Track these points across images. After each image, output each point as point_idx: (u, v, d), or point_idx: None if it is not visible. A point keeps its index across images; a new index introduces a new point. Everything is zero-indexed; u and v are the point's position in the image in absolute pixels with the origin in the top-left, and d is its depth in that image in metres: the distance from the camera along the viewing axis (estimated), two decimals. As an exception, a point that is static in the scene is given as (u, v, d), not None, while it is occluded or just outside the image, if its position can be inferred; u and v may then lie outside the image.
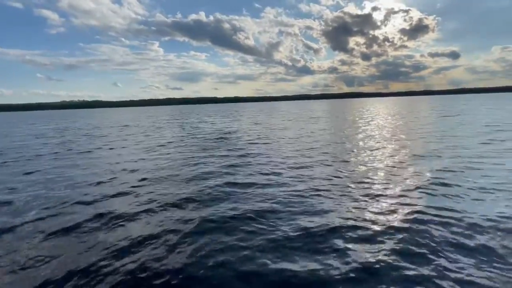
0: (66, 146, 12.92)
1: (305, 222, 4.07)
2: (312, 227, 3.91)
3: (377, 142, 11.04)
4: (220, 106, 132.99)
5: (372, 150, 9.42)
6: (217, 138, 13.91)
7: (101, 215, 4.57)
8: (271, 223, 4.07)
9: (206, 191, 5.60)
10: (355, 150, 9.66)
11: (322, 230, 3.87)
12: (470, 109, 31.64)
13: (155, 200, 5.21)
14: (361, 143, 11.05)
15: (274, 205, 4.77)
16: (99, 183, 6.54)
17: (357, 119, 24.60)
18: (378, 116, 26.91)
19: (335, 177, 6.30)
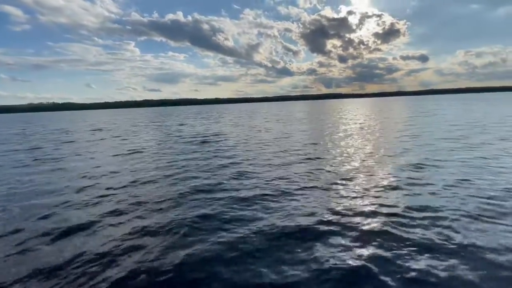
0: (33, 154, 11.91)
1: (284, 222, 3.96)
2: (286, 228, 3.93)
3: (357, 141, 11.25)
4: (200, 108, 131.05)
5: (351, 150, 9.55)
6: (200, 142, 13.50)
7: (63, 230, 4.14)
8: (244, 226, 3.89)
9: (188, 194, 5.30)
10: (334, 150, 9.73)
11: (295, 230, 3.90)
12: (441, 109, 33.55)
13: (127, 209, 4.83)
14: (342, 143, 11.19)
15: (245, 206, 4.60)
16: (66, 192, 6.00)
17: (337, 119, 25.14)
18: (358, 116, 27.70)
19: (313, 175, 6.25)
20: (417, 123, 17.96)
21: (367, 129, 15.94)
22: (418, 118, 22.31)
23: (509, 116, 19.63)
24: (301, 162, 8.08)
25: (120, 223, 4.40)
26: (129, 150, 11.81)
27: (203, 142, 13.30)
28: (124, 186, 6.37)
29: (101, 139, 16.52)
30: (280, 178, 6.44)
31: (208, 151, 10.70)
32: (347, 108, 51.61)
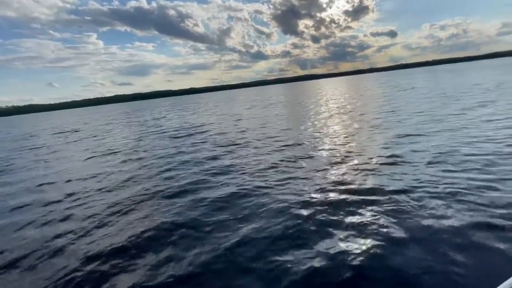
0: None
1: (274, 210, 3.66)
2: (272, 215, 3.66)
3: (341, 124, 11.16)
4: (176, 99, 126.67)
5: (338, 132, 9.43)
6: (177, 136, 12.78)
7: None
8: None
9: (172, 195, 4.84)
10: (317, 133, 9.56)
11: (279, 217, 3.82)
12: (413, 83, 34.68)
13: (105, 219, 4.30)
14: (325, 125, 11.05)
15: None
16: (33, 207, 5.28)
17: (317, 101, 25.13)
18: (335, 97, 27.88)
19: (297, 162, 6.01)
20: (396, 99, 18.30)
21: (350, 110, 15.97)
22: (396, 93, 22.83)
23: (476, 84, 20.59)
24: (283, 149, 7.79)
25: (100, 236, 3.87)
26: (103, 151, 10.90)
27: (180, 136, 12.61)
28: (100, 192, 5.74)
29: (72, 142, 15.22)
30: (268, 169, 6.11)
31: (188, 145, 10.10)
32: (324, 89, 52.11)
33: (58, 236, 4.05)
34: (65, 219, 4.65)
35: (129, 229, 4.00)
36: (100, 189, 6.02)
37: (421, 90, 22.30)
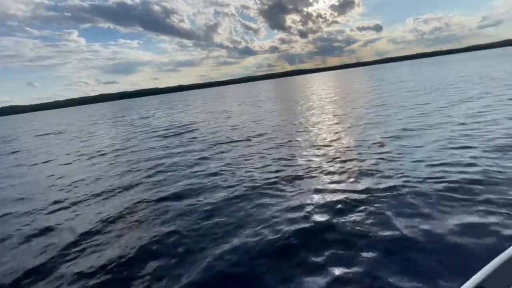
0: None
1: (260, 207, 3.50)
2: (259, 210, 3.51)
3: (331, 118, 11.09)
4: (164, 97, 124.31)
5: (331, 128, 9.34)
6: (167, 136, 12.39)
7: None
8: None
9: (163, 202, 4.58)
10: (307, 129, 9.45)
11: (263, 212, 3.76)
12: (399, 76, 35.18)
13: (93, 231, 4.00)
14: (316, 120, 10.96)
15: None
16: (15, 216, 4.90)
17: (307, 96, 25.07)
18: (325, 92, 27.92)
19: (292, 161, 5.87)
20: (386, 93, 18.43)
21: (341, 105, 15.95)
22: (386, 86, 23.04)
23: (462, 76, 21.04)
24: (274, 147, 7.62)
25: (86, 249, 3.59)
26: (89, 153, 10.40)
27: (169, 136, 12.23)
28: (86, 199, 5.39)
29: (56, 144, 14.53)
30: (260, 168, 5.92)
31: (176, 145, 9.77)
32: (314, 84, 52.23)
33: (41, 251, 3.73)
34: (48, 231, 4.31)
35: (118, 240, 3.73)
36: (86, 196, 5.67)
37: (409, 83, 22.60)
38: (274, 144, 7.91)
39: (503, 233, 2.78)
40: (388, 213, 3.46)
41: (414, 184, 4.14)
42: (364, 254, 2.78)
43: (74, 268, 3.23)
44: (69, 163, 9.25)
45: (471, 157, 4.91)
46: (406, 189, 4.02)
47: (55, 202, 5.53)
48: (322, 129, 9.40)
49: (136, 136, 13.28)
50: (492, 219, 3.05)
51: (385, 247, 2.84)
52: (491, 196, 3.54)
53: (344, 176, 4.87)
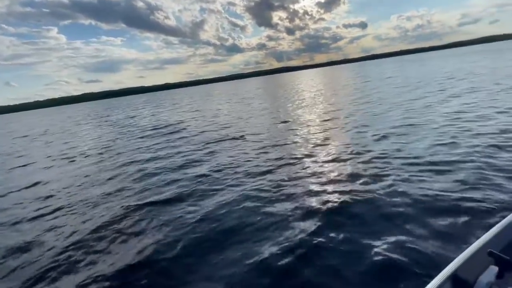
0: None
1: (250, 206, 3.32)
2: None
3: (320, 116, 11.00)
4: (150, 96, 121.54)
5: (322, 125, 9.22)
6: (154, 136, 11.93)
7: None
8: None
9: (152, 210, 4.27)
10: (296, 128, 9.31)
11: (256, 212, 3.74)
12: (388, 72, 35.74)
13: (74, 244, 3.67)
14: (307, 116, 10.83)
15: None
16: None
17: (297, 93, 25.01)
18: (314, 89, 27.94)
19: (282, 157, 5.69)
20: (375, 89, 18.57)
21: (333, 103, 15.92)
22: (374, 83, 23.28)
23: (447, 72, 21.54)
24: (264, 147, 7.42)
25: (71, 271, 3.26)
26: (72, 156, 9.84)
27: (156, 136, 11.79)
28: (69, 207, 5.00)
29: (36, 146, 13.74)
30: (249, 169, 5.70)
31: (163, 146, 9.40)
32: (302, 81, 52.37)
33: (17, 270, 3.37)
34: (26, 245, 3.93)
35: (105, 253, 3.42)
36: (69, 203, 5.27)
37: (396, 79, 22.93)
38: (263, 145, 7.67)
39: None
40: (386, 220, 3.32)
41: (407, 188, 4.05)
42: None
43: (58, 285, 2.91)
44: (50, 167, 8.70)
45: (461, 154, 4.86)
46: (403, 191, 3.91)
47: (34, 211, 5.11)
48: (313, 128, 9.26)
49: (122, 137, 12.74)
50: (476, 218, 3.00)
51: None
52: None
53: (335, 178, 4.72)
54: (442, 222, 3.01)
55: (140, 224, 4.00)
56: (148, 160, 7.66)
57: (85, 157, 9.48)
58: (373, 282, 2.38)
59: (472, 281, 1.39)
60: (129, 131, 14.57)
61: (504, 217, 1.90)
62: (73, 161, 9.13)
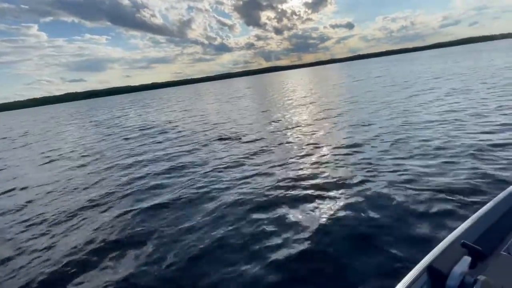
0: None
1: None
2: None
3: (310, 115, 10.91)
4: (137, 96, 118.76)
5: (313, 126, 9.10)
6: (142, 138, 11.48)
7: None
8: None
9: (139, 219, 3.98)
10: (282, 127, 9.17)
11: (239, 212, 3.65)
12: (376, 72, 36.29)
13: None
14: (298, 116, 10.71)
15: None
16: None
17: (287, 92, 24.94)
18: (304, 89, 27.95)
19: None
20: (365, 88, 18.71)
21: (325, 103, 15.89)
22: (366, 81, 23.50)
23: (433, 72, 22.05)
24: (258, 150, 7.23)
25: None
26: (54, 159, 9.30)
27: (145, 137, 11.37)
28: (51, 217, 4.62)
29: (15, 148, 12.94)
30: (237, 167, 5.49)
31: (152, 149, 9.03)
32: (291, 80, 52.51)
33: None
34: (7, 260, 3.55)
35: (94, 270, 3.11)
36: (50, 212, 4.88)
37: (385, 78, 23.26)
38: (253, 146, 7.48)
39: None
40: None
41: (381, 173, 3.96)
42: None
43: None
44: (30, 170, 8.16)
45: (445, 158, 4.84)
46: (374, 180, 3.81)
47: (8, 222, 4.69)
48: (306, 129, 9.13)
49: (107, 138, 12.20)
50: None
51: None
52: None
53: (310, 168, 4.69)
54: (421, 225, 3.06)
55: (125, 233, 3.70)
56: (133, 164, 7.29)
57: (68, 160, 8.97)
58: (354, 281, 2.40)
59: (446, 272, 1.42)
60: (114, 132, 13.99)
61: (476, 210, 1.99)
62: (54, 164, 8.61)
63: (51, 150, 11.22)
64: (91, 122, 22.05)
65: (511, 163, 4.16)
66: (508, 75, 13.98)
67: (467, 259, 1.47)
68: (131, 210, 4.37)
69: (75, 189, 5.91)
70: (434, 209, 3.27)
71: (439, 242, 1.64)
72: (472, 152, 4.80)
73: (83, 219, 4.37)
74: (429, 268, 1.48)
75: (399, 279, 1.45)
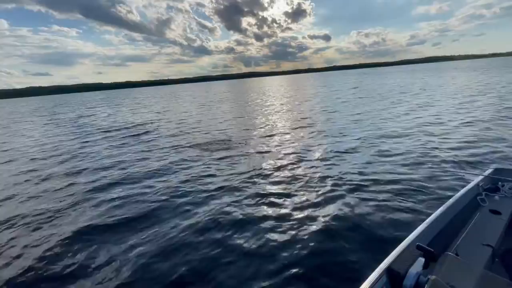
0: None
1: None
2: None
3: (294, 121, 10.89)
4: (109, 94, 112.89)
5: (291, 132, 9.04)
6: (114, 138, 10.66)
7: None
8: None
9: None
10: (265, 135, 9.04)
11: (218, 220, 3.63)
12: (352, 83, 37.76)
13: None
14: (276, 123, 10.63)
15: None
16: None
17: (266, 100, 24.95)
18: (286, 98, 28.21)
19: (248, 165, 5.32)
20: (341, 99, 19.22)
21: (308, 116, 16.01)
22: (342, 92, 24.24)
23: (402, 86, 23.37)
24: (225, 150, 6.98)
25: None
26: (4, 160, 8.23)
27: (117, 138, 10.58)
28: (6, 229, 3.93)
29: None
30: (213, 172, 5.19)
31: (124, 152, 8.37)
32: (270, 87, 53.00)
33: None
34: None
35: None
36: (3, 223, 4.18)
37: (364, 90, 24.22)
38: (231, 153, 7.22)
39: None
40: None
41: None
42: None
43: None
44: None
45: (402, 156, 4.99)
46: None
47: None
48: (288, 136, 9.05)
49: (74, 138, 11.18)
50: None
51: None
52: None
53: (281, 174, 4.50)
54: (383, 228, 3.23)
55: (88, 251, 3.22)
56: (102, 168, 6.65)
57: (31, 159, 8.00)
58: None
59: (403, 273, 1.52)
60: (78, 132, 12.91)
61: (430, 215, 2.17)
62: (8, 166, 7.63)
63: (4, 151, 10.00)
64: (54, 120, 20.27)
65: (462, 171, 4.63)
66: (467, 93, 15.15)
67: (421, 260, 1.57)
68: (89, 226, 3.86)
69: (28, 196, 5.19)
70: (394, 213, 3.50)
71: (397, 246, 1.75)
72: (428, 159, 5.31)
73: (26, 232, 3.77)
74: (388, 270, 1.58)
75: (360, 282, 1.52)
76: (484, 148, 5.75)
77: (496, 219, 2.26)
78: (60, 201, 4.80)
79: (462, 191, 2.60)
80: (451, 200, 2.41)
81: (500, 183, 2.81)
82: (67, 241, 3.49)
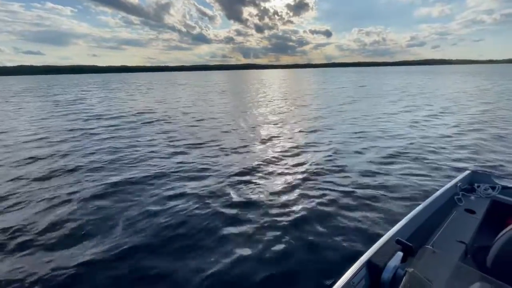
0: None
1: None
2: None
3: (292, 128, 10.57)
4: (104, 77, 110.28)
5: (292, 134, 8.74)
6: (110, 129, 10.18)
7: None
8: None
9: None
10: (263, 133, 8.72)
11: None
12: (356, 81, 37.52)
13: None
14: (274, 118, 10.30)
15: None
16: None
17: (267, 94, 24.55)
18: (286, 90, 27.79)
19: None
20: (342, 94, 18.98)
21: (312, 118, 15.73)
22: (351, 89, 23.97)
23: (403, 86, 23.23)
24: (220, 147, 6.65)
25: None
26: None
27: (114, 129, 10.11)
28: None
29: None
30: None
31: (121, 148, 7.96)
32: (270, 81, 52.45)
33: None
34: None
35: None
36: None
37: (371, 90, 23.98)
38: (221, 148, 6.89)
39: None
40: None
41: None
42: None
43: None
44: None
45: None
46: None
47: None
48: (286, 140, 8.74)
49: (65, 125, 10.65)
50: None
51: None
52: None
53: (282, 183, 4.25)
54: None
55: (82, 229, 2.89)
56: (100, 165, 6.23)
57: (18, 150, 7.51)
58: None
59: (382, 266, 1.58)
60: (77, 118, 12.33)
61: (410, 210, 2.25)
62: None
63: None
64: (48, 101, 19.45)
65: (444, 168, 4.99)
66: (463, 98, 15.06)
67: (399, 254, 1.62)
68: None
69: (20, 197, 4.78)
70: (375, 208, 3.67)
71: (377, 240, 1.79)
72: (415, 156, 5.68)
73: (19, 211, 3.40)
74: (368, 263, 1.63)
75: (340, 274, 1.54)
76: (465, 150, 6.09)
77: (470, 218, 2.36)
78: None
79: (441, 190, 2.69)
80: (430, 198, 2.49)
81: (476, 184, 2.90)
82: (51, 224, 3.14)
